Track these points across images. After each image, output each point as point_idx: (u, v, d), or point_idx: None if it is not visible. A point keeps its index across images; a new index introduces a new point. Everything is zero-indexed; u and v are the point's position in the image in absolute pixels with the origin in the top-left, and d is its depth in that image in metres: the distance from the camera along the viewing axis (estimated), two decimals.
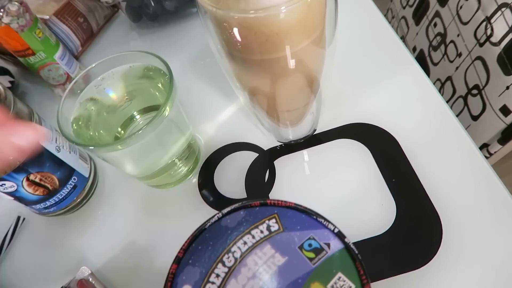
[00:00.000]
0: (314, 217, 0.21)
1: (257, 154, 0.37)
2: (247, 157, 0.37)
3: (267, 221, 0.22)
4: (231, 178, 0.36)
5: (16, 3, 0.36)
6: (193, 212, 0.35)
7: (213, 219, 0.22)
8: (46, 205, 0.35)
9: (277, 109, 0.32)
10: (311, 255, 0.20)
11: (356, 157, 0.35)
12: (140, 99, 0.33)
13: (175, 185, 0.37)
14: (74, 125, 0.30)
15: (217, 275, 0.20)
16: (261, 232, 0.21)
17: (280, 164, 0.36)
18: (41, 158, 0.32)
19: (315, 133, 0.37)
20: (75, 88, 0.31)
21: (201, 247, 0.21)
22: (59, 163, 0.34)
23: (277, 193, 0.34)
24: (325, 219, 0.21)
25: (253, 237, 0.21)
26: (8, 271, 0.35)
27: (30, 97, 0.49)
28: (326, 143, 0.36)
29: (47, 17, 0.45)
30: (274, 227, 0.21)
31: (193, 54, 0.47)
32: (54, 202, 0.35)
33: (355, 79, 0.40)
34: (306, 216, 0.21)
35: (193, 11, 0.51)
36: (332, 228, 0.21)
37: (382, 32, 0.43)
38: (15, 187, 0.32)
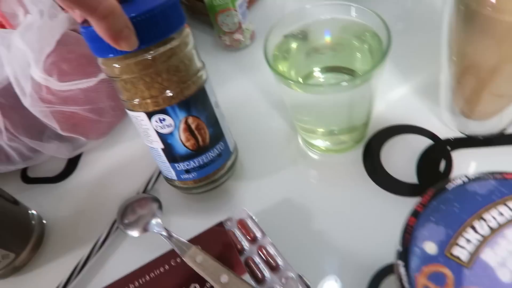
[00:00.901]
0: None
1: (431, 142, 0.35)
2: (420, 142, 0.35)
3: None
4: (400, 160, 0.34)
5: None
6: (355, 184, 0.34)
7: (457, 182, 0.20)
8: (189, 166, 0.32)
9: (487, 92, 0.29)
10: None
11: None
12: (339, 54, 0.33)
13: (336, 152, 0.36)
14: (275, 51, 0.30)
15: (468, 240, 0.18)
16: None
17: (459, 156, 0.33)
18: (203, 103, 0.30)
19: (504, 132, 0.33)
20: (285, 21, 0.31)
21: (444, 207, 0.19)
22: (214, 119, 0.32)
23: None
24: None
25: (511, 209, 0.19)
26: (164, 193, 0.37)
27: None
28: None
29: None
30: None
31: None
32: (197, 164, 0.32)
33: None
34: None
35: None
36: None
37: None
38: (172, 128, 0.30)
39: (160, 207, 0.35)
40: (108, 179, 0.41)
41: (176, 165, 0.32)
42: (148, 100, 0.28)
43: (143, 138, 0.32)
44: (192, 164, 0.32)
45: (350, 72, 0.32)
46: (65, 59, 0.37)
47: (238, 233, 0.31)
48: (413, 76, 0.40)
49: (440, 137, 0.35)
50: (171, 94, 0.28)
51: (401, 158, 0.34)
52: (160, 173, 0.38)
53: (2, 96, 0.37)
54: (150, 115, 0.29)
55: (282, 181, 0.35)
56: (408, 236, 0.19)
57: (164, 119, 0.29)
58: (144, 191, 0.37)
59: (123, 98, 0.29)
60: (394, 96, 0.39)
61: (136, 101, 0.28)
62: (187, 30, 0.29)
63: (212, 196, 0.36)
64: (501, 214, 0.19)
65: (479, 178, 0.20)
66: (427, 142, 0.35)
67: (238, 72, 0.46)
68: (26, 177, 0.43)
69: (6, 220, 0.33)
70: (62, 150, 0.41)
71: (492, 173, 0.20)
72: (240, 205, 0.34)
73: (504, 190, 0.19)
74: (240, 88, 0.45)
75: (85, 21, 0.25)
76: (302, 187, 0.35)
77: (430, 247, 0.18)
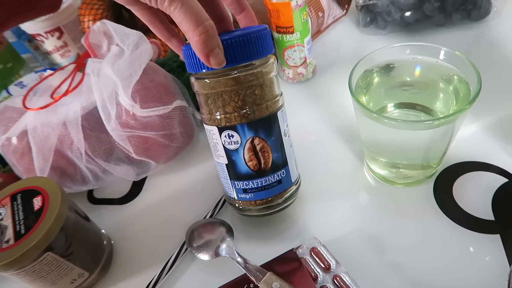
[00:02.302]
0: None
1: (506, 179, 0.34)
2: (494, 179, 0.34)
3: None
4: (474, 196, 0.34)
5: None
6: (428, 218, 0.33)
7: None
8: (247, 186, 0.33)
9: None
10: None
11: None
12: (423, 93, 0.34)
13: (406, 186, 0.36)
14: (359, 82, 0.32)
15: None
16: None
17: None
18: (272, 128, 0.32)
19: None
20: (371, 56, 0.33)
21: None
22: (280, 145, 0.33)
23: None
24: None
25: None
26: (231, 218, 0.38)
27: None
28: None
29: None
30: None
31: None
32: (255, 185, 0.33)
33: None
34: None
35: (425, 28, 0.52)
36: None
37: None
38: (238, 145, 0.31)
39: (230, 231, 0.35)
40: (173, 202, 0.42)
41: (236, 182, 0.33)
42: (222, 116, 0.31)
43: (213, 153, 0.34)
44: (250, 184, 0.33)
45: (425, 110, 0.33)
46: (146, 87, 0.40)
47: (310, 261, 0.31)
48: (485, 114, 0.40)
49: None
50: (242, 113, 0.30)
51: (475, 194, 0.34)
52: (225, 199, 0.39)
53: (86, 120, 0.40)
54: (221, 130, 0.31)
55: (350, 211, 0.35)
56: None
57: (232, 136, 0.31)
58: (211, 216, 0.38)
59: (203, 111, 0.32)
60: (466, 132, 0.39)
61: (213, 115, 0.31)
62: (272, 59, 0.31)
63: (277, 222, 0.36)
64: None
65: None
66: (501, 180, 0.34)
67: (302, 104, 0.48)
68: (92, 198, 0.45)
69: (85, 239, 0.35)
70: (131, 173, 0.43)
71: None
72: (306, 233, 0.35)
73: None
74: (303, 118, 0.46)
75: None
76: (371, 218, 0.34)
77: None
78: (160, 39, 0.48)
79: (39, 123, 0.39)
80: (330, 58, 0.54)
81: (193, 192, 0.42)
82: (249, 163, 0.32)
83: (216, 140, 0.32)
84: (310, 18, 0.53)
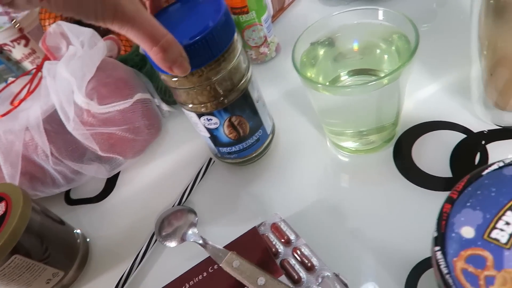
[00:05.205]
0: None
1: (464, 135, 0.34)
2: (452, 137, 0.34)
3: None
4: (432, 156, 0.33)
5: None
6: (387, 182, 0.33)
7: (492, 167, 0.20)
8: (231, 150, 0.37)
9: None
10: None
11: None
12: (366, 58, 0.33)
13: (366, 153, 0.36)
14: (303, 58, 0.31)
15: (507, 223, 0.18)
16: None
17: (495, 148, 0.32)
18: (245, 104, 0.34)
19: None
20: (313, 29, 0.32)
21: (480, 192, 0.19)
22: (254, 113, 0.35)
23: None
24: None
25: None
26: (198, 203, 0.38)
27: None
28: None
29: None
30: None
31: None
32: (238, 149, 0.37)
33: None
34: None
35: None
36: None
37: None
38: (217, 125, 0.34)
39: (196, 217, 0.36)
40: (146, 194, 0.42)
41: (221, 148, 0.37)
42: (198, 105, 0.32)
43: (194, 127, 0.36)
44: (234, 148, 0.37)
45: (377, 74, 0.33)
46: (104, 83, 0.40)
47: (272, 237, 0.31)
48: (442, 74, 0.39)
49: (474, 130, 0.34)
50: (217, 102, 0.32)
51: (434, 154, 0.34)
52: (194, 185, 0.39)
53: (48, 123, 0.40)
54: (199, 115, 0.33)
55: (313, 184, 0.36)
56: (444, 222, 0.19)
57: (211, 119, 0.33)
58: (179, 203, 0.38)
59: (179, 100, 0.33)
60: (423, 94, 0.38)
61: (189, 106, 0.33)
62: (235, 39, 0.31)
63: (245, 203, 0.37)
64: None
65: None
66: (460, 136, 0.34)
67: (266, 83, 0.48)
68: (69, 199, 0.46)
69: (55, 240, 0.35)
70: (102, 171, 0.44)
71: None
72: (272, 210, 0.35)
73: None
74: (269, 98, 0.46)
75: None
76: (333, 189, 0.35)
77: (468, 232, 0.18)
78: (119, 35, 0.48)
79: (2, 131, 0.39)
80: (294, 35, 0.52)
81: (165, 182, 0.43)
82: (230, 135, 0.35)
83: (196, 122, 0.35)
84: None
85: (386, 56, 0.32)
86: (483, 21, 0.27)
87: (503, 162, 0.20)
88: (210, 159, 0.41)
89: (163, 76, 0.32)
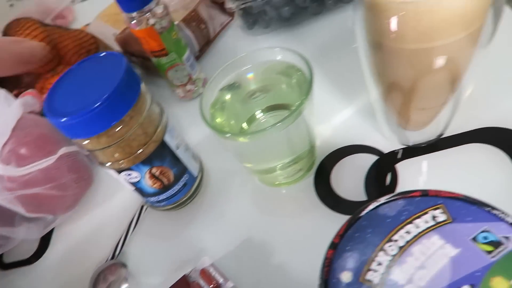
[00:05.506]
0: (488, 209, 0.19)
1: (376, 157, 0.36)
2: (366, 160, 0.36)
3: (431, 211, 0.20)
4: (349, 181, 0.35)
5: (161, 6, 0.40)
6: (309, 212, 0.34)
7: (370, 207, 0.21)
8: (159, 199, 0.37)
9: (412, 107, 0.30)
10: (489, 248, 0.18)
11: (489, 164, 0.32)
12: (272, 94, 0.34)
13: (289, 184, 0.37)
14: (211, 109, 0.32)
15: (379, 263, 0.19)
16: (426, 222, 0.20)
17: (403, 168, 0.34)
18: (164, 153, 0.34)
19: (442, 136, 0.35)
20: (218, 76, 0.33)
21: (358, 234, 0.20)
22: (176, 160, 0.35)
23: None
24: (502, 212, 0.19)
25: (417, 226, 0.20)
26: (132, 255, 0.38)
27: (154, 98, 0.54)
28: (454, 148, 0.34)
29: (176, 22, 0.49)
30: (441, 217, 0.20)
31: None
32: (166, 197, 0.37)
33: (500, 81, 0.37)
34: (477, 208, 0.19)
35: (304, 19, 0.53)
36: (510, 221, 0.19)
37: None
38: (139, 178, 0.34)
39: (127, 271, 0.35)
40: (81, 249, 0.41)
41: (148, 198, 0.37)
42: (116, 162, 0.32)
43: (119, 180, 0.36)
44: (161, 197, 0.37)
45: (288, 107, 0.34)
46: (23, 143, 0.39)
47: (202, 283, 0.32)
48: (353, 99, 0.41)
49: (384, 151, 0.36)
50: (133, 157, 0.32)
51: (350, 178, 0.35)
52: (126, 236, 0.39)
53: None
54: (119, 171, 0.33)
55: (243, 221, 0.36)
56: (327, 269, 0.20)
57: (130, 174, 0.34)
58: (113, 257, 0.38)
59: (98, 161, 0.33)
60: (338, 120, 0.40)
61: (107, 164, 0.33)
62: (143, 93, 0.31)
63: (178, 249, 0.37)
64: (409, 232, 0.19)
65: (389, 201, 0.21)
66: (373, 158, 0.36)
67: (195, 120, 0.48)
68: (2, 264, 0.44)
69: None
70: (33, 231, 0.42)
71: (401, 193, 0.21)
72: (204, 253, 0.35)
73: (410, 208, 0.20)
74: (198, 136, 0.46)
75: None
76: (260, 224, 0.35)
77: (347, 277, 0.19)
78: (42, 88, 0.47)
79: None
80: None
81: (100, 234, 0.42)
82: (154, 186, 0.35)
83: (118, 178, 0.35)
84: (193, 32, 0.53)
85: (290, 90, 0.33)
86: (369, 54, 0.29)
87: (378, 201, 0.21)
88: (142, 207, 0.40)
89: (74, 141, 0.31)
